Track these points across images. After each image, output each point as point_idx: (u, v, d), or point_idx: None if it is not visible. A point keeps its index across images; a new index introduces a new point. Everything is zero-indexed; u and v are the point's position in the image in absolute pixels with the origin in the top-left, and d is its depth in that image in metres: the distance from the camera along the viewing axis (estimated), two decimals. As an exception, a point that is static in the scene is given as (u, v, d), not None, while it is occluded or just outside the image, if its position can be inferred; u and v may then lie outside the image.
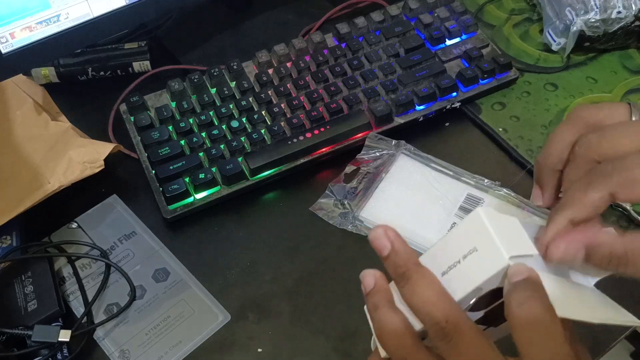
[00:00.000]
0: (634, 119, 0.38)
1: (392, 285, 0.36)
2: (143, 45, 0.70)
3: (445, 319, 0.31)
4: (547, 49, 0.72)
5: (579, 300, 0.35)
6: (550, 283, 0.32)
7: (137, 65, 0.70)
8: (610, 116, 0.38)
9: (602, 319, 0.34)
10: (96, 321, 0.53)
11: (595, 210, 0.34)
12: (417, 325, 0.34)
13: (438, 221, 0.58)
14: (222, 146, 0.61)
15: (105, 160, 0.57)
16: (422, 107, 0.65)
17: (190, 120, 0.63)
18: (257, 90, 0.66)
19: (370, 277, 0.36)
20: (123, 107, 0.65)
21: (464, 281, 0.33)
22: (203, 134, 0.62)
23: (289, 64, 0.67)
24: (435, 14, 0.71)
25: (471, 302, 0.34)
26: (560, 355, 0.29)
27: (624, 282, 0.38)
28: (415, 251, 0.35)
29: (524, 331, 0.30)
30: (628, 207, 0.58)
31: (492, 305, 0.35)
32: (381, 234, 0.34)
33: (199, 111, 0.64)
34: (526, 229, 0.35)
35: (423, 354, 0.33)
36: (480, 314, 0.35)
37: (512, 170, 0.62)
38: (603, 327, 0.53)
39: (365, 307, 0.37)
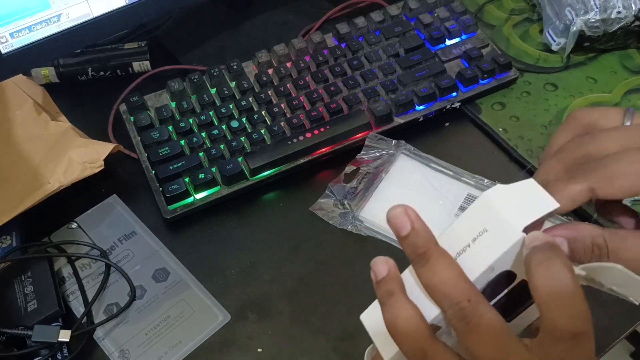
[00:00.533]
0: (627, 123, 0.38)
1: (403, 276, 0.35)
2: (143, 45, 0.70)
3: (467, 298, 0.31)
4: (547, 49, 0.72)
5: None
6: None
7: (137, 65, 0.70)
8: (604, 118, 0.39)
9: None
10: (96, 321, 0.53)
11: (573, 202, 0.35)
12: (429, 318, 0.33)
13: (438, 221, 0.57)
14: (222, 146, 0.61)
15: (105, 160, 0.57)
16: (422, 107, 0.65)
17: (190, 120, 0.63)
18: (257, 90, 0.66)
19: (383, 264, 0.35)
20: (123, 107, 0.65)
21: (477, 262, 0.32)
22: (203, 134, 0.62)
23: (289, 64, 0.67)
24: (435, 14, 0.71)
25: (485, 283, 0.33)
26: (581, 314, 0.29)
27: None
28: None
29: (544, 290, 0.30)
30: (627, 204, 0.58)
31: (504, 292, 0.34)
32: (401, 212, 0.33)
33: (198, 111, 0.64)
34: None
35: (440, 346, 0.32)
36: (492, 303, 0.35)
37: (512, 170, 0.63)
38: (603, 327, 0.53)
39: (361, 315, 0.36)
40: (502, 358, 0.30)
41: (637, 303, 0.35)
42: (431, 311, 0.33)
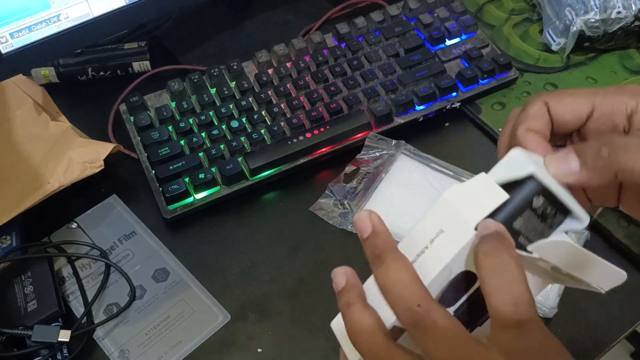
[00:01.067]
0: None
1: (365, 286, 0.35)
2: (143, 45, 0.70)
3: (418, 303, 0.31)
4: (547, 49, 0.72)
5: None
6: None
7: (137, 65, 0.70)
8: None
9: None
10: (96, 321, 0.53)
11: (543, 122, 0.36)
12: (389, 322, 0.33)
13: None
14: (222, 146, 0.61)
15: (105, 160, 0.57)
16: (422, 107, 0.65)
17: (190, 120, 0.63)
18: (257, 90, 0.66)
19: (341, 275, 0.35)
20: (123, 107, 0.65)
21: (432, 264, 0.33)
22: (203, 134, 0.62)
23: (288, 64, 0.67)
24: (435, 14, 0.71)
25: (444, 285, 0.33)
26: (524, 301, 0.29)
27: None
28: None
29: (488, 278, 0.30)
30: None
31: (466, 295, 0.34)
32: (365, 216, 0.34)
33: (198, 111, 0.64)
34: (500, 174, 0.33)
35: (398, 352, 0.32)
36: (457, 307, 0.35)
37: (512, 170, 0.62)
38: (603, 327, 0.53)
39: (332, 323, 0.37)
40: (459, 358, 0.30)
41: (602, 291, 0.35)
42: (392, 315, 0.33)
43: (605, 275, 0.35)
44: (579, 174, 0.33)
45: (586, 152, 0.33)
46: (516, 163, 0.33)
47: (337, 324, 0.37)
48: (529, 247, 0.31)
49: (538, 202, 0.33)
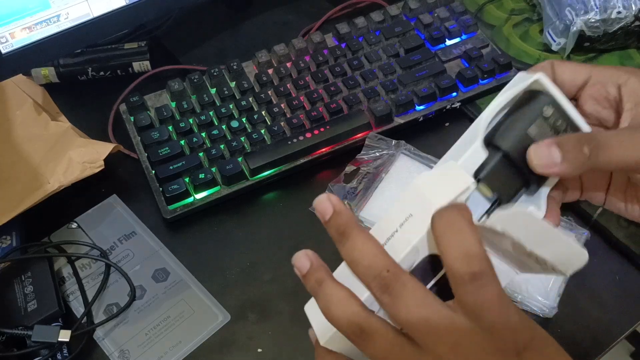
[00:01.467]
0: None
1: (339, 270, 0.36)
2: (143, 45, 0.70)
3: (386, 269, 0.32)
4: (547, 49, 0.72)
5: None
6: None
7: (137, 65, 0.70)
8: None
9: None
10: (96, 321, 0.53)
11: (548, 74, 0.38)
12: (361, 298, 0.34)
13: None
14: (222, 146, 0.61)
15: (105, 160, 0.57)
16: (422, 107, 0.65)
17: (190, 120, 0.63)
18: (257, 90, 0.66)
19: (304, 258, 0.37)
20: (123, 107, 0.65)
21: (400, 245, 0.33)
22: (203, 134, 0.62)
23: (289, 64, 0.67)
24: (435, 14, 0.71)
25: (412, 266, 0.34)
26: (473, 251, 0.30)
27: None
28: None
29: (440, 237, 0.31)
30: None
31: (434, 279, 0.35)
32: (324, 198, 0.35)
33: (198, 111, 0.64)
34: (467, 162, 0.35)
35: (375, 318, 0.33)
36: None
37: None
38: (603, 327, 0.53)
39: (305, 306, 0.37)
40: (429, 319, 0.31)
41: (566, 275, 0.35)
42: (362, 292, 0.34)
43: (568, 255, 0.34)
44: (560, 167, 0.34)
45: (568, 146, 0.34)
46: (522, 79, 0.36)
47: (310, 306, 0.38)
48: (488, 222, 0.31)
49: (548, 111, 0.35)
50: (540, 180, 0.37)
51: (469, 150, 0.36)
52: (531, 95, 0.35)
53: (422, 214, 0.33)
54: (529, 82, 0.36)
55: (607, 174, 0.43)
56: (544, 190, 0.38)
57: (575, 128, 0.36)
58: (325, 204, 0.35)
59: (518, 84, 0.36)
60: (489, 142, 0.36)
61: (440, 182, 0.34)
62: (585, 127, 0.36)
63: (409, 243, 0.33)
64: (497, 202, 0.36)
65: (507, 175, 0.35)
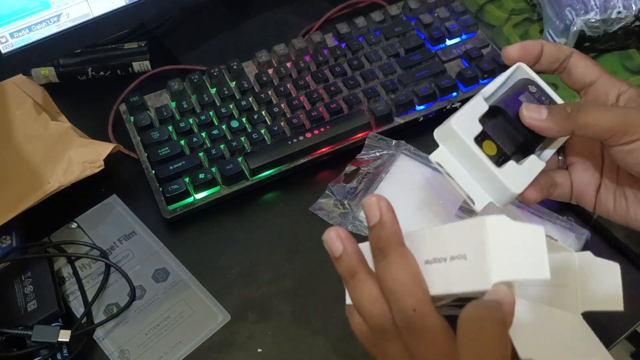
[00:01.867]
0: None
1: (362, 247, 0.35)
2: (143, 45, 0.70)
3: (414, 307, 0.31)
4: (547, 49, 0.72)
5: (555, 339, 0.35)
6: (530, 315, 0.32)
7: (137, 65, 0.70)
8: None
9: None
10: (96, 321, 0.53)
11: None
12: None
13: (438, 221, 0.58)
14: (222, 146, 0.61)
15: (105, 160, 0.57)
16: (422, 107, 0.65)
17: (190, 120, 0.63)
18: (257, 90, 0.66)
19: (337, 241, 0.35)
20: (123, 107, 0.65)
21: (442, 282, 0.32)
22: (203, 134, 0.62)
23: (289, 64, 0.67)
24: (435, 14, 0.71)
25: (443, 302, 0.33)
26: None
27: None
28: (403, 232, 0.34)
29: (465, 347, 0.30)
30: None
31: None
32: (374, 202, 0.34)
33: (198, 111, 0.64)
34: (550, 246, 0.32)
35: (395, 326, 0.33)
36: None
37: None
38: (603, 327, 0.53)
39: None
40: None
41: (475, 208, 0.41)
42: None
43: (488, 191, 0.42)
44: (544, 121, 0.41)
45: (554, 108, 0.41)
46: (512, 70, 0.45)
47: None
48: (523, 355, 0.30)
49: (533, 89, 0.44)
50: (536, 140, 0.43)
51: (472, 105, 0.43)
52: (521, 78, 0.45)
53: (475, 270, 0.31)
54: (513, 69, 0.45)
55: (597, 169, 0.46)
56: (548, 152, 0.44)
57: (553, 101, 0.44)
58: (373, 209, 0.34)
59: (509, 71, 0.45)
60: (491, 106, 0.43)
61: (514, 248, 0.31)
62: (560, 101, 0.44)
63: (450, 289, 0.32)
64: (504, 157, 0.42)
65: (506, 129, 0.42)
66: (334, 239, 0.35)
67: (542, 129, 0.41)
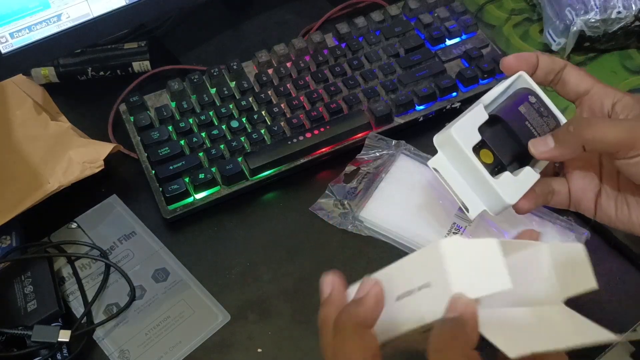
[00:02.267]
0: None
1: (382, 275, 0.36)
2: (143, 45, 0.70)
3: None
4: (547, 49, 0.72)
5: (543, 328, 0.35)
6: (503, 315, 0.32)
7: (137, 65, 0.70)
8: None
9: (570, 344, 0.32)
10: (96, 321, 0.53)
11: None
12: (392, 333, 0.34)
13: (438, 221, 0.58)
14: (222, 146, 0.61)
15: (105, 160, 0.57)
16: (422, 107, 0.65)
17: (190, 120, 0.63)
18: (257, 90, 0.66)
19: (327, 284, 0.38)
20: (123, 107, 0.65)
21: (413, 315, 0.32)
22: (203, 134, 0.62)
23: (288, 64, 0.67)
24: (435, 14, 0.71)
25: (423, 331, 0.33)
26: None
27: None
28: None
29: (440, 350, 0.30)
30: None
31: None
32: (327, 280, 0.37)
33: (198, 111, 0.64)
34: (506, 248, 0.33)
35: None
36: None
37: (512, 170, 0.62)
38: (603, 327, 0.53)
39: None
40: None
41: (469, 215, 0.43)
42: (395, 329, 0.34)
43: (482, 199, 0.44)
44: (554, 150, 0.42)
45: (559, 132, 0.42)
46: (513, 79, 0.45)
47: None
48: (512, 354, 0.30)
49: (533, 99, 0.45)
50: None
51: (473, 114, 0.44)
52: (521, 87, 0.46)
53: (439, 297, 0.31)
54: (514, 77, 0.45)
55: (595, 176, 0.46)
56: (543, 162, 0.46)
57: (551, 113, 0.45)
58: (324, 286, 0.37)
59: (509, 81, 0.46)
60: (491, 116, 0.44)
61: (471, 265, 0.31)
62: (558, 113, 0.46)
63: (421, 321, 0.32)
64: (500, 167, 0.44)
65: (505, 139, 0.44)
66: (327, 283, 0.38)
67: (556, 157, 0.42)
